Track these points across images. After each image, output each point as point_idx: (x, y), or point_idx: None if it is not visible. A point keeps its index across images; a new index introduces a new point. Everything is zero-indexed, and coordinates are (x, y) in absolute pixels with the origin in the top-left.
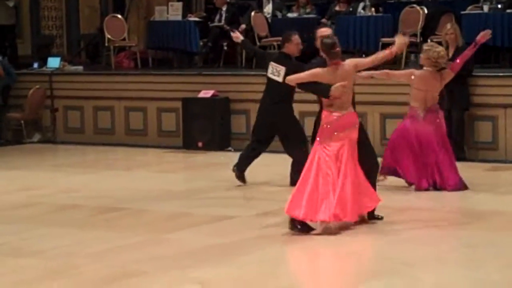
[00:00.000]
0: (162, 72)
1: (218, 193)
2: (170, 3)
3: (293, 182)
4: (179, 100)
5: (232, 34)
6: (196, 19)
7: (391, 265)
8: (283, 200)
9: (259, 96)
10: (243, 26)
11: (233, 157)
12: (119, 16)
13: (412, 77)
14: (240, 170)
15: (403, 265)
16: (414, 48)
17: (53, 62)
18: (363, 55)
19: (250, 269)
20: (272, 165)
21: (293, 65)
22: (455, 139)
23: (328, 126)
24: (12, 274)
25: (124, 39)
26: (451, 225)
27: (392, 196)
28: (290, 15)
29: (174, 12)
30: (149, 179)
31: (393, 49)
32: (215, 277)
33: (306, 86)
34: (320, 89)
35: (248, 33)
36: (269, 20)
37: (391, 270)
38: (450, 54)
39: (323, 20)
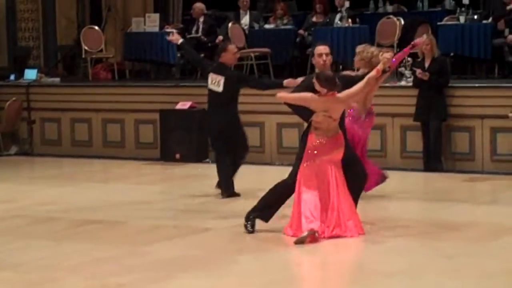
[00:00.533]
0: (140, 83)
1: (195, 205)
2: (147, 15)
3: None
4: (157, 111)
5: (169, 37)
6: (174, 30)
7: (369, 275)
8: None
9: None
10: (220, 37)
11: (211, 168)
12: (96, 27)
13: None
14: (228, 192)
15: (382, 276)
16: None
17: (30, 74)
18: (340, 67)
19: (228, 281)
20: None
21: (231, 74)
22: (433, 150)
23: (315, 151)
24: None
25: (101, 51)
26: (428, 235)
27: (368, 206)
28: (267, 26)
29: (151, 24)
30: (127, 192)
31: (378, 67)
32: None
33: (292, 107)
34: (304, 113)
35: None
36: (246, 32)
37: (370, 280)
38: (427, 65)
39: (300, 31)
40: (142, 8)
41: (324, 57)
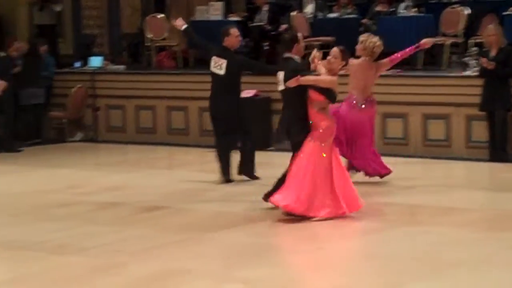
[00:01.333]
0: (203, 71)
1: (259, 193)
2: (210, 3)
3: (240, 171)
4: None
5: (174, 22)
6: (237, 18)
7: (434, 266)
8: None
9: None
10: (284, 26)
11: (274, 156)
12: (160, 15)
13: (350, 64)
14: (226, 178)
15: (446, 266)
16: (456, 49)
17: (95, 61)
18: None
19: (294, 268)
20: None
21: (234, 58)
22: (498, 140)
23: (326, 131)
24: (56, 271)
25: (165, 39)
26: (493, 226)
27: (431, 196)
28: (331, 15)
29: (215, 12)
30: (191, 178)
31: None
32: (258, 276)
33: (319, 89)
34: (331, 94)
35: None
36: (310, 21)
37: (434, 271)
38: (493, 55)
39: (364, 20)
40: None
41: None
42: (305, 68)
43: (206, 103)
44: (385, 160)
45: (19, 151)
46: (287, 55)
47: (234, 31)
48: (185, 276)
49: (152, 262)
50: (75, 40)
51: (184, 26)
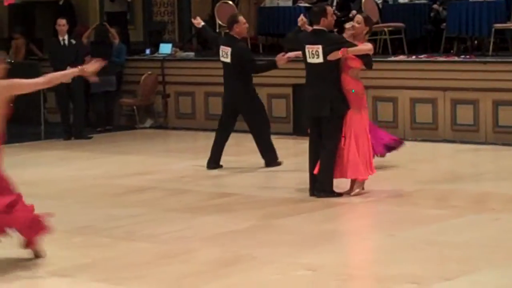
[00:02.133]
0: (273, 58)
1: None
2: None
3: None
4: (290, 86)
5: (193, 20)
6: (306, 4)
7: (508, 254)
8: (392, 186)
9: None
10: (354, 11)
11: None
12: (230, 2)
13: None
14: (210, 166)
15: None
16: None
17: (165, 48)
18: (475, 41)
19: (362, 256)
20: None
21: (238, 46)
22: None
23: (360, 94)
24: (125, 257)
25: None
26: None
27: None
28: (401, 0)
29: None
30: (259, 165)
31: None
32: (325, 263)
33: (360, 56)
34: (370, 60)
35: None
36: (380, 6)
37: (508, 259)
38: None
39: (435, 6)
40: None
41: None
42: (346, 39)
43: (275, 90)
44: (454, 147)
45: (89, 138)
46: (317, 27)
47: (242, 19)
48: (252, 262)
49: (220, 248)
50: (146, 27)
51: (201, 24)
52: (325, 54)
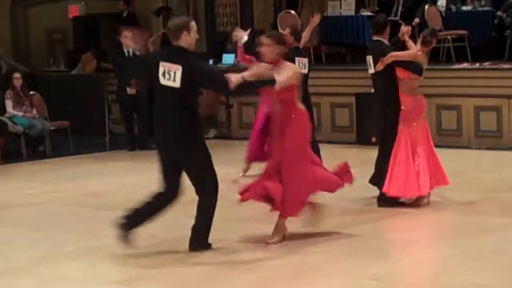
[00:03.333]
0: (336, 67)
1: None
2: None
3: None
4: (353, 95)
5: (235, 33)
6: (369, 13)
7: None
8: (457, 194)
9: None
10: (417, 19)
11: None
12: (293, 11)
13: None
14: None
15: None
16: None
17: (228, 59)
18: None
19: (426, 265)
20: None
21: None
22: None
23: (413, 109)
24: (193, 267)
25: None
26: None
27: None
28: (464, 8)
29: (347, 7)
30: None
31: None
32: (390, 273)
33: (403, 64)
34: (415, 67)
35: (422, 26)
36: (443, 14)
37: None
38: None
39: (499, 13)
40: None
41: None
42: (392, 49)
43: (338, 99)
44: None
45: (153, 149)
46: (376, 37)
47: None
48: (317, 272)
49: (286, 259)
50: (209, 38)
51: (245, 39)
52: (375, 65)
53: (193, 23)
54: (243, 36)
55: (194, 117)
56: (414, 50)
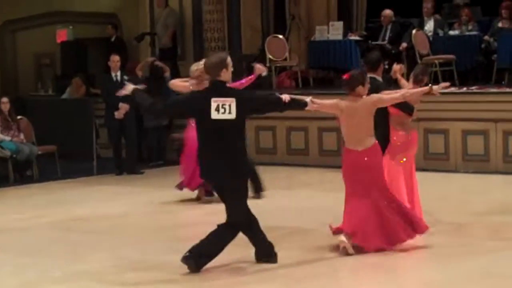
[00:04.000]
0: (323, 91)
1: None
2: (330, 23)
3: None
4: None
5: (255, 65)
6: (357, 38)
7: None
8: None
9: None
10: (404, 44)
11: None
12: (280, 36)
13: None
14: None
15: None
16: None
17: None
18: None
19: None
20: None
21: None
22: None
23: (400, 144)
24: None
25: (285, 59)
26: None
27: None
28: (451, 32)
29: (335, 32)
30: (311, 198)
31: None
32: None
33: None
34: (406, 107)
35: (409, 50)
36: (430, 38)
37: None
38: None
39: (486, 37)
40: (326, 16)
41: None
42: (386, 87)
43: (325, 123)
44: (506, 178)
45: (142, 173)
46: (370, 75)
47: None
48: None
49: (272, 283)
50: (197, 62)
51: (264, 73)
52: None
53: (229, 59)
54: (264, 71)
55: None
56: (403, 91)
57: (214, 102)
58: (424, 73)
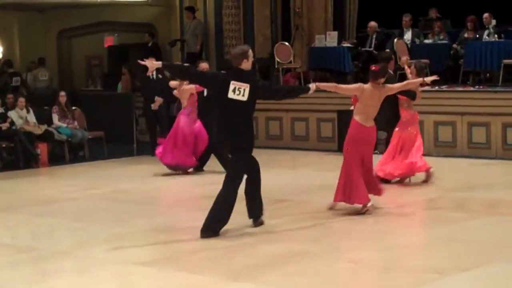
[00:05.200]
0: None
1: None
2: (327, 32)
3: None
4: (335, 112)
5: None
6: (349, 45)
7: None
8: (420, 194)
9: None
10: (388, 50)
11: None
12: (287, 43)
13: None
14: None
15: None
16: None
17: None
18: (487, 74)
19: (395, 251)
20: None
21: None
22: None
23: (409, 119)
24: (201, 251)
25: (290, 62)
26: None
27: (494, 191)
28: (426, 41)
29: (331, 40)
30: (310, 176)
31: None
32: (365, 257)
33: (402, 92)
34: (410, 93)
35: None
36: (409, 46)
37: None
38: None
39: (454, 45)
40: (324, 27)
41: None
42: (394, 78)
43: (323, 115)
44: (469, 161)
45: None
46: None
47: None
48: (304, 256)
49: (278, 244)
50: (218, 64)
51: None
52: None
53: (250, 52)
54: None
55: (252, 123)
56: (405, 82)
57: (232, 85)
58: (425, 66)
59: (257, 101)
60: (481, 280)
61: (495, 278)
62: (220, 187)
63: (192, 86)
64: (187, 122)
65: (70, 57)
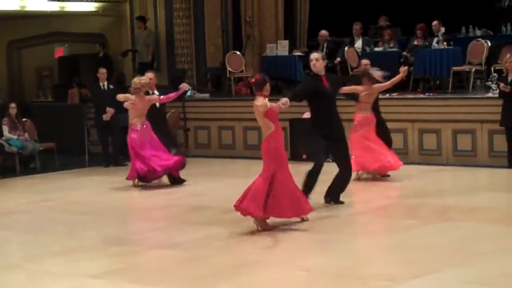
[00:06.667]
0: (273, 97)
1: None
2: (278, 41)
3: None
4: (287, 120)
5: (182, 84)
6: (300, 53)
7: (465, 255)
8: (370, 201)
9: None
10: (338, 59)
11: (332, 166)
12: (238, 52)
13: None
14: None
15: (475, 256)
16: (479, 75)
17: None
18: (437, 81)
19: (346, 259)
20: None
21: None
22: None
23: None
24: (154, 262)
25: (242, 71)
26: (510, 222)
27: (445, 196)
28: (376, 49)
29: (282, 48)
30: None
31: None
32: (318, 265)
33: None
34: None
35: (342, 64)
36: (359, 54)
37: (466, 260)
38: (510, 79)
39: (404, 53)
40: (275, 36)
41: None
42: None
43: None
44: (421, 168)
45: (125, 165)
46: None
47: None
48: (257, 265)
49: (231, 254)
50: (169, 74)
51: (188, 90)
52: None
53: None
54: (187, 88)
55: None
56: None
57: None
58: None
59: (200, 111)
60: (432, 287)
61: (445, 284)
62: (165, 197)
63: (156, 97)
64: (140, 135)
65: (20, 68)
